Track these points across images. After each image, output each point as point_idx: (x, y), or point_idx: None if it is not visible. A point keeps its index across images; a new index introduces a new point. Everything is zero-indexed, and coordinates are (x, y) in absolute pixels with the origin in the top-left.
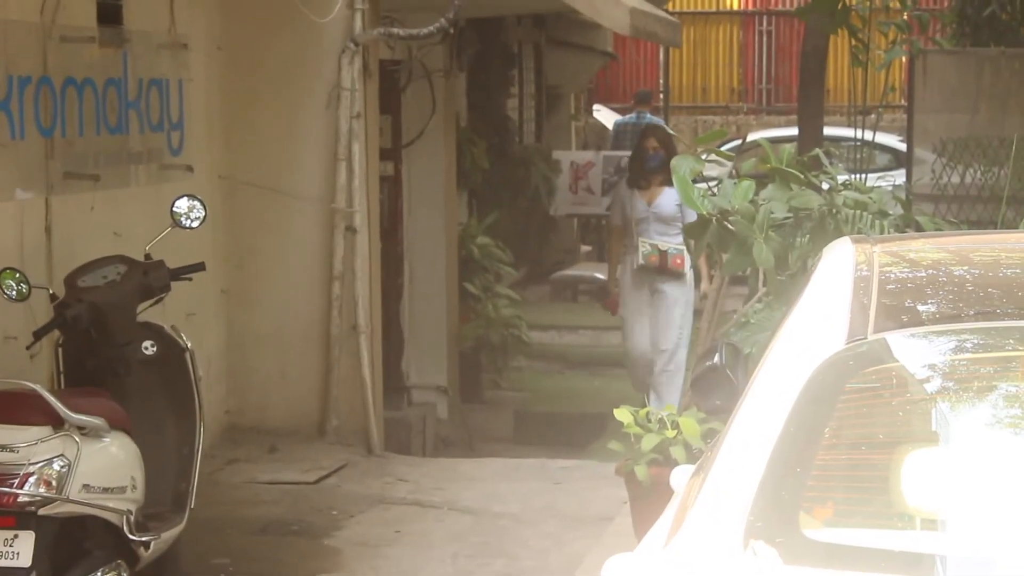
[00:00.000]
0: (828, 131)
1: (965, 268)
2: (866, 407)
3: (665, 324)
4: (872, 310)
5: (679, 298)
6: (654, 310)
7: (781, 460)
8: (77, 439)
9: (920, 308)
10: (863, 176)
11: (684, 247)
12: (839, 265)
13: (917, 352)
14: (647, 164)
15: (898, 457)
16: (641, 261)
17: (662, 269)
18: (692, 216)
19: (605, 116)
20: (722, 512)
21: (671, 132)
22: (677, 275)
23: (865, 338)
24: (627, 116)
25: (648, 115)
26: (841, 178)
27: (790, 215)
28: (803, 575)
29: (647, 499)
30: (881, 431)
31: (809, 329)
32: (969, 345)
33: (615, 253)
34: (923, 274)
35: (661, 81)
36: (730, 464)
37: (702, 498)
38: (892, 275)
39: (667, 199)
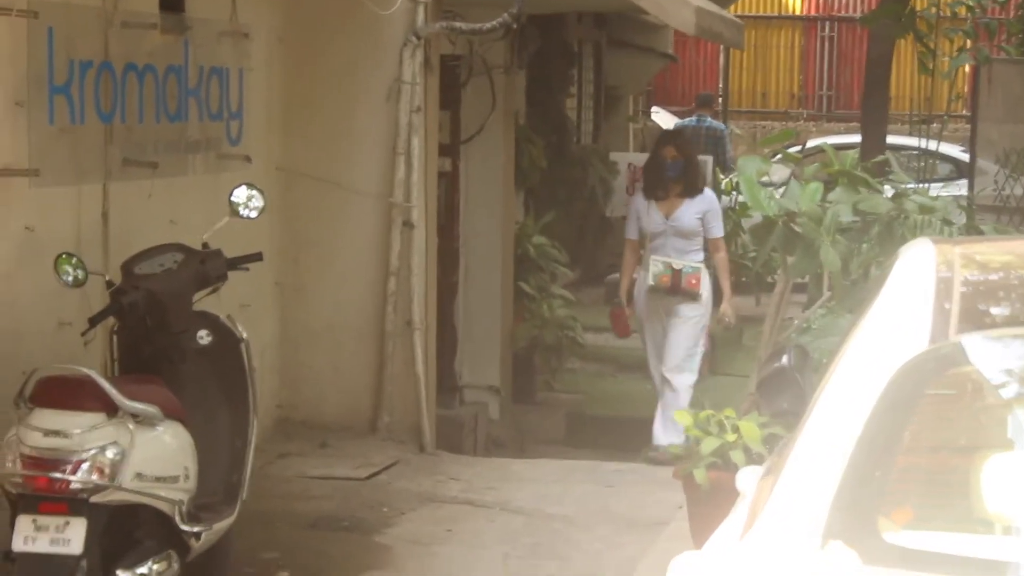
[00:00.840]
0: (890, 139)
1: None
2: (948, 410)
3: (672, 343)
4: (954, 312)
5: (690, 317)
6: (667, 325)
7: (861, 461)
8: (131, 427)
9: (1002, 311)
10: (925, 185)
11: (702, 265)
12: (919, 265)
13: (1000, 355)
14: (666, 173)
15: (979, 461)
16: (651, 282)
17: (675, 290)
18: (717, 231)
19: (664, 119)
20: (799, 512)
21: (738, 133)
22: (692, 296)
23: (947, 340)
24: (687, 119)
25: (709, 119)
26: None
27: (856, 219)
28: None
29: (706, 503)
30: (963, 435)
31: (889, 330)
32: None
33: (629, 270)
34: (1005, 276)
35: (721, 85)
36: (807, 464)
37: (776, 497)
38: (973, 277)
39: (687, 211)
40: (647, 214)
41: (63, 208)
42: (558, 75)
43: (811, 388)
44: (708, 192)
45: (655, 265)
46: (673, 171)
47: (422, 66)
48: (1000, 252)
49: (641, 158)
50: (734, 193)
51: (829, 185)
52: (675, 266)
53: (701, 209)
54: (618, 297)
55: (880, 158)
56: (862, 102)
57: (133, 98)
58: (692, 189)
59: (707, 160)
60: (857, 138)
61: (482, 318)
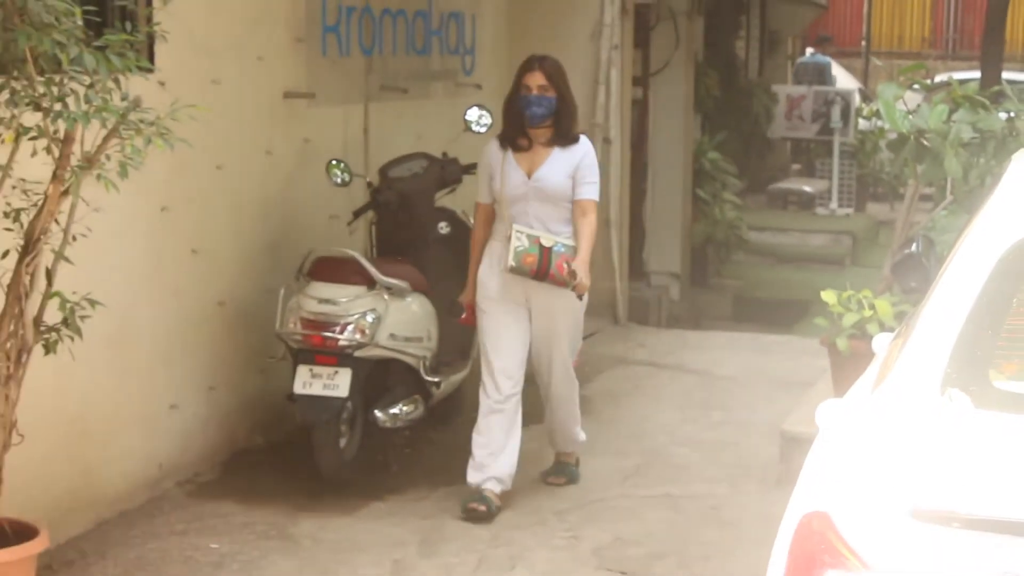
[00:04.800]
0: (1005, 75)
1: None
2: None
3: (549, 336)
4: None
5: (565, 305)
6: (533, 319)
7: (975, 323)
8: (386, 297)
9: None
10: None
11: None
12: None
13: None
14: (529, 110)
15: None
16: (512, 262)
17: (542, 275)
18: (590, 191)
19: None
20: (923, 366)
21: (879, 64)
22: (563, 283)
23: None
24: (806, 57)
25: (818, 54)
26: None
27: (976, 136)
28: (991, 418)
29: (846, 367)
30: None
31: (1002, 217)
32: None
33: (479, 245)
34: None
35: (864, 29)
36: (930, 327)
37: (904, 355)
38: None
39: (555, 167)
40: (502, 169)
41: (333, 124)
42: (729, 20)
43: (935, 270)
44: (584, 140)
45: (518, 239)
46: (540, 108)
47: (620, 11)
48: None
49: (798, 90)
50: (874, 119)
51: (953, 109)
52: (544, 243)
53: (574, 162)
54: (457, 304)
55: (996, 88)
56: (981, 43)
57: (388, 36)
58: (564, 136)
59: (853, 91)
60: (977, 74)
61: (666, 218)
